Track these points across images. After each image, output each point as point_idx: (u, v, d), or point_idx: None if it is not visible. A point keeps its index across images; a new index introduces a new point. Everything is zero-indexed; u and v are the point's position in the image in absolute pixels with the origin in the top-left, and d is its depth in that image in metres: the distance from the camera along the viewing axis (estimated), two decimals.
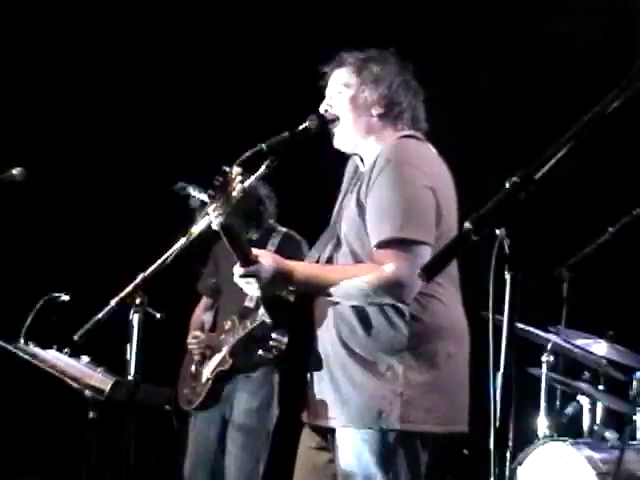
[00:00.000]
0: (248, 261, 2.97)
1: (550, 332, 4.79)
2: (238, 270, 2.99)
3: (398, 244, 2.98)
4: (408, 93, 3.23)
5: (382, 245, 2.99)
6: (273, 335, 3.13)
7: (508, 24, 6.26)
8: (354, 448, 3.06)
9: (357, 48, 3.30)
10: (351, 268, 3.04)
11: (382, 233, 3.00)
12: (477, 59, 6.41)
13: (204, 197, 3.13)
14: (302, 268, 3.06)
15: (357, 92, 3.20)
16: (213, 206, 2.94)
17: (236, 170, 2.96)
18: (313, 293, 3.12)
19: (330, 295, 3.06)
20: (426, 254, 2.98)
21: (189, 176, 5.41)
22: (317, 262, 3.20)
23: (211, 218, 2.95)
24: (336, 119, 3.21)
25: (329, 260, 3.18)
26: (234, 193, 2.92)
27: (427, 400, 3.02)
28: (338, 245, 3.17)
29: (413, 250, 2.97)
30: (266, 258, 3.00)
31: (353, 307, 3.08)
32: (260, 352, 3.15)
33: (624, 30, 5.90)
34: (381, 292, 2.99)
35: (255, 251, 3.01)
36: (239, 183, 2.95)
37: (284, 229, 5.10)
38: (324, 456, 3.17)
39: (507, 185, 1.91)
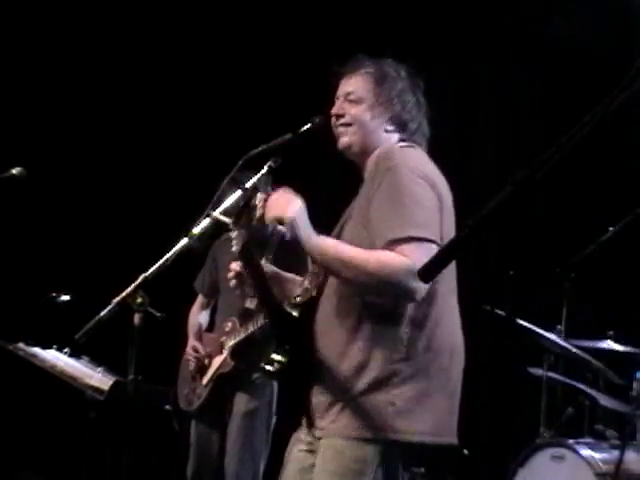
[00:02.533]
0: (263, 287, 2.99)
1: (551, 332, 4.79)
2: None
3: (415, 241, 2.95)
4: (419, 113, 3.24)
5: (397, 241, 2.95)
6: (275, 352, 3.13)
7: (508, 24, 6.26)
8: (334, 454, 3.06)
9: (361, 48, 3.29)
10: (373, 251, 2.99)
11: (395, 232, 2.96)
12: (477, 59, 6.41)
13: (224, 218, 3.15)
14: (324, 239, 3.06)
15: (373, 105, 3.20)
16: (234, 234, 2.96)
17: (260, 197, 2.97)
18: (327, 263, 3.07)
19: (343, 270, 3.01)
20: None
21: (190, 176, 5.42)
22: (317, 276, 3.20)
23: (233, 244, 2.97)
24: (348, 124, 3.21)
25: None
26: (255, 219, 2.94)
27: (418, 411, 3.02)
28: None
29: (429, 249, 2.92)
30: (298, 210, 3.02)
31: (351, 317, 3.07)
32: (262, 365, 3.16)
33: (624, 30, 5.90)
34: (398, 277, 2.92)
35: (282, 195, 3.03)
36: (260, 209, 2.97)
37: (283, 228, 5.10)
38: (311, 459, 3.17)
39: (507, 186, 1.91)
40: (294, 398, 3.22)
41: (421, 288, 2.94)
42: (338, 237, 3.18)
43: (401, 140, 3.21)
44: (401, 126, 3.21)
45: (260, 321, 4.63)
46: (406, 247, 2.93)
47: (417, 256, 2.89)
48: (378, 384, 3.02)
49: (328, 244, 3.04)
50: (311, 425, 3.15)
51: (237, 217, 2.98)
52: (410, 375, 3.02)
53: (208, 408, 4.97)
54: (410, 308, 3.03)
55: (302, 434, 3.21)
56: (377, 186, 3.05)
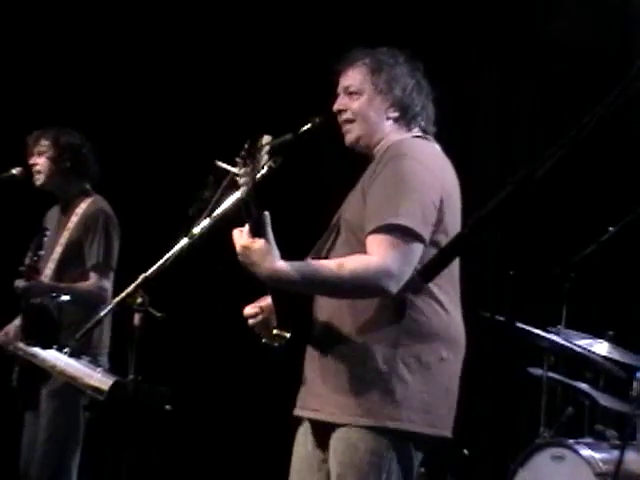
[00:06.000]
0: (257, 234, 2.97)
1: (550, 332, 4.79)
2: (243, 239, 2.98)
3: (394, 231, 2.97)
4: (421, 95, 3.24)
5: (378, 230, 2.98)
6: (277, 327, 3.12)
7: (508, 24, 6.26)
8: (347, 447, 3.06)
9: (364, 46, 3.29)
10: (338, 260, 3.02)
11: (380, 219, 2.99)
12: (477, 59, 6.41)
13: (228, 166, 3.12)
14: (291, 266, 3.01)
15: (372, 95, 3.20)
16: (241, 171, 2.93)
17: (265, 139, 2.95)
18: (302, 292, 3.11)
19: (320, 293, 3.09)
20: (418, 250, 2.98)
21: (190, 176, 5.41)
22: (319, 257, 3.20)
23: (240, 183, 2.93)
24: (351, 120, 3.22)
25: (329, 249, 3.18)
26: (261, 162, 2.91)
27: (416, 400, 3.04)
28: (338, 233, 3.17)
29: (408, 242, 2.97)
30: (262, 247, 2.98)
31: (350, 303, 3.08)
32: (264, 340, 3.16)
33: (624, 30, 5.90)
34: (368, 278, 2.97)
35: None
36: (267, 153, 2.95)
37: (98, 196, 5.11)
38: (319, 455, 3.17)
39: (507, 185, 1.91)
40: (295, 377, 3.22)
41: (400, 282, 2.97)
42: (340, 215, 3.20)
43: (407, 127, 3.21)
44: (403, 110, 3.21)
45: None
46: (383, 239, 2.97)
47: (390, 251, 2.95)
48: (375, 371, 3.03)
49: (296, 276, 3.00)
50: (305, 407, 3.16)
51: (244, 159, 2.94)
52: (408, 364, 3.03)
53: (19, 389, 4.87)
54: (411, 297, 3.04)
55: (305, 428, 3.21)
56: (378, 172, 3.08)
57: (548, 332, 4.77)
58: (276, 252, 2.97)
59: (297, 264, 3.03)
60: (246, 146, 2.94)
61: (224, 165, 3.14)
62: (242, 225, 2.99)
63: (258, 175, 2.95)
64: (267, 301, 3.21)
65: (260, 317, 3.22)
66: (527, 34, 6.18)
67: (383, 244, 2.97)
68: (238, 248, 2.98)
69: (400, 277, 2.97)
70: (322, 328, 3.12)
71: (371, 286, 2.99)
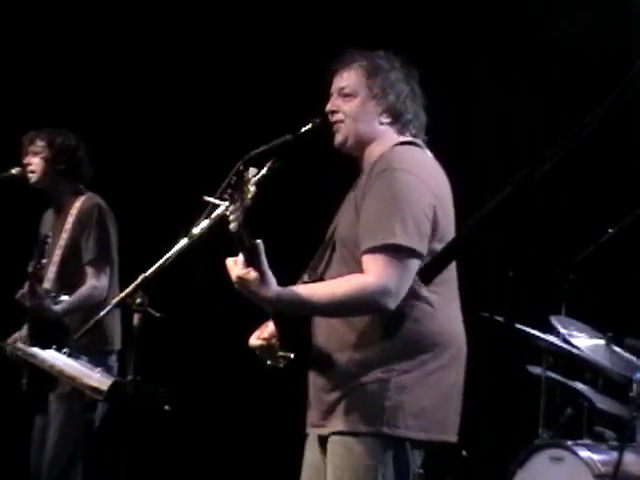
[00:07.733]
0: (252, 263, 2.96)
1: (551, 325, 4.79)
2: (238, 269, 2.97)
3: (390, 251, 2.98)
4: (414, 102, 3.23)
5: (374, 250, 2.99)
6: (280, 348, 3.13)
7: (508, 24, 6.26)
8: (344, 450, 3.08)
9: (362, 48, 3.29)
10: (335, 282, 3.04)
11: (375, 238, 3.00)
12: (477, 59, 6.41)
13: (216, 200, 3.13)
14: (288, 292, 3.02)
15: (366, 99, 3.20)
16: (230, 208, 2.93)
17: (251, 171, 2.95)
18: (301, 314, 3.11)
19: (319, 315, 3.10)
20: (415, 266, 2.99)
21: (190, 177, 5.42)
22: (316, 272, 3.20)
23: (230, 219, 2.93)
24: (341, 121, 3.21)
25: (326, 267, 3.18)
26: (249, 194, 2.90)
27: (414, 407, 3.04)
28: (334, 250, 3.17)
29: (404, 259, 2.98)
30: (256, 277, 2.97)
31: (346, 318, 3.09)
32: (269, 363, 3.17)
33: (624, 30, 5.90)
34: (364, 298, 2.99)
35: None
36: (253, 184, 2.94)
37: (92, 193, 5.12)
38: (324, 458, 3.18)
39: (507, 186, 1.91)
40: (300, 394, 3.23)
41: (397, 299, 2.99)
42: (334, 230, 3.20)
43: (398, 133, 3.20)
44: (396, 117, 3.20)
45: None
46: (379, 258, 2.98)
47: (387, 269, 2.96)
48: (374, 379, 3.04)
49: (294, 301, 3.02)
50: (318, 422, 3.16)
51: (232, 194, 2.94)
52: (407, 371, 3.04)
53: (29, 393, 4.88)
54: (410, 305, 3.04)
55: (312, 434, 3.22)
56: (371, 185, 3.07)
57: (549, 327, 4.77)
58: (271, 280, 2.97)
59: (293, 290, 3.04)
60: (232, 181, 2.93)
61: (212, 199, 3.15)
62: (235, 254, 2.98)
63: (248, 202, 2.93)
64: (268, 328, 3.21)
65: (265, 345, 3.21)
66: (527, 34, 6.18)
67: (379, 263, 2.98)
68: (233, 278, 2.98)
69: (398, 294, 2.99)
70: (321, 344, 3.12)
71: (368, 305, 3.01)
